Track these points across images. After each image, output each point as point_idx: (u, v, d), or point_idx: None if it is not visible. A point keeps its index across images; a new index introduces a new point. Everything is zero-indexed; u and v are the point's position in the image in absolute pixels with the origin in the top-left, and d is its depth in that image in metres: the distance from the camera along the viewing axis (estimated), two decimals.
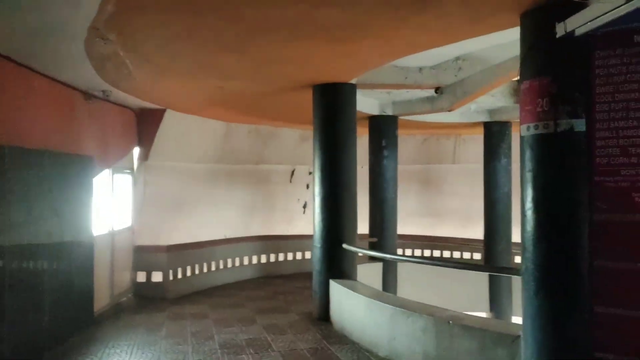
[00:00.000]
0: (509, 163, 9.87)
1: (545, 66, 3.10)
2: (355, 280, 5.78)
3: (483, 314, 10.65)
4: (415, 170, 12.76)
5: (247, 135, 10.15)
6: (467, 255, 12.40)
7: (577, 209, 3.01)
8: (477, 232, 13.15)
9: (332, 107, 5.69)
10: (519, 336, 3.38)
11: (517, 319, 10.54)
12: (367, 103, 8.01)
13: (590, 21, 2.74)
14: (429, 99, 7.75)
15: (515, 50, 5.86)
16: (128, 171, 7.86)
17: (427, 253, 12.50)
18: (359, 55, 4.57)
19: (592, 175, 2.97)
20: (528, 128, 3.20)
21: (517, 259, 11.19)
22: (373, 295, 4.89)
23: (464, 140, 12.52)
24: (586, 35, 2.91)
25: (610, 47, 2.88)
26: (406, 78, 5.93)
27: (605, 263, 2.96)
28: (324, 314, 5.78)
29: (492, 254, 10.13)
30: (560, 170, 3.07)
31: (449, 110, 7.84)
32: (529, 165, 3.22)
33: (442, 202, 13.11)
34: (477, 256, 12.33)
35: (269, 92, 6.10)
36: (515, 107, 8.76)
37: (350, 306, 5.15)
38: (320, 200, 5.78)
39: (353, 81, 5.69)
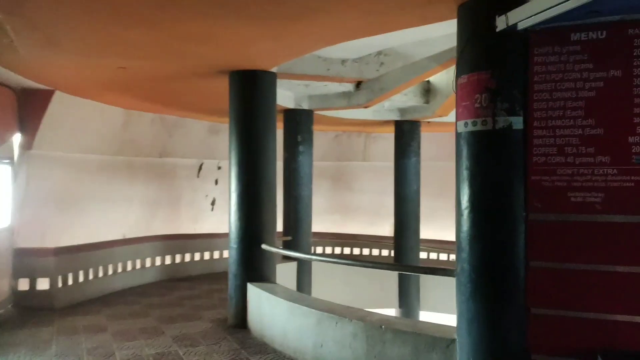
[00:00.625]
0: (418, 161, 10.13)
1: (485, 61, 3.00)
2: (275, 282, 5.44)
3: (392, 310, 10.87)
4: (326, 167, 12.68)
5: (151, 124, 9.33)
6: (375, 252, 12.60)
7: (515, 209, 2.95)
8: (385, 229, 13.44)
9: (251, 97, 5.28)
10: (454, 340, 3.28)
11: (425, 314, 10.93)
12: (282, 95, 7.68)
13: (533, 15, 2.66)
14: (345, 94, 7.62)
15: (436, 47, 5.95)
16: (7, 161, 6.77)
17: (337, 250, 12.52)
18: (286, 39, 4.21)
19: (529, 174, 2.93)
20: (465, 124, 3.09)
21: (424, 255, 11.59)
22: (297, 299, 4.59)
23: (374, 138, 12.69)
24: (525, 30, 2.85)
25: (549, 44, 2.84)
26: (328, 70, 5.70)
27: (541, 264, 2.93)
28: (240, 321, 5.36)
29: (402, 250, 10.34)
30: (499, 169, 3.00)
31: (365, 107, 7.79)
32: (465, 163, 3.12)
33: (352, 199, 13.21)
34: (385, 252, 12.59)
35: (179, 76, 5.52)
36: (425, 107, 8.96)
37: (271, 311, 4.80)
38: (237, 197, 5.35)
39: (274, 70, 5.33)
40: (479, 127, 3.01)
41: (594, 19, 2.73)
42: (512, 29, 2.83)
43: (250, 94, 5.26)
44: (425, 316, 10.90)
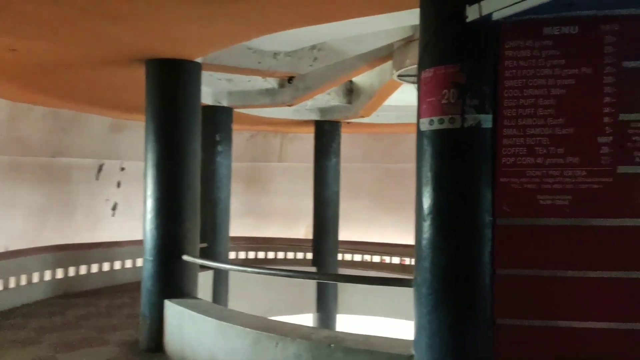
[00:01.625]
0: (338, 162, 9.96)
1: (453, 53, 2.76)
2: (198, 298, 4.84)
3: (310, 316, 10.59)
4: (241, 168, 12.09)
5: (42, 120, 8.12)
6: (291, 255, 12.29)
7: (483, 213, 2.74)
8: (300, 232, 13.15)
9: (173, 90, 4.65)
10: (411, 356, 3.00)
11: (343, 317, 10.80)
12: None
13: (510, 5, 2.46)
14: (269, 92, 7.18)
15: (365, 45, 5.73)
16: None
17: (251, 255, 12.04)
18: (217, 24, 3.69)
19: (498, 176, 2.74)
20: (431, 122, 2.83)
21: (342, 257, 11.47)
22: (228, 317, 4.06)
23: (290, 139, 12.35)
24: (496, 22, 2.65)
25: (520, 38, 2.67)
26: (260, 63, 5.22)
27: (508, 271, 2.74)
28: (155, 344, 4.69)
29: (321, 253, 10.10)
30: (466, 170, 2.77)
31: (290, 105, 7.42)
32: (430, 164, 2.85)
33: (268, 201, 12.74)
34: (300, 256, 12.31)
35: (83, 63, 4.72)
36: (347, 107, 8.80)
37: (195, 332, 4.22)
38: (155, 202, 4.68)
39: (199, 60, 4.74)
40: (445, 125, 2.76)
41: (567, 12, 2.60)
42: (484, 20, 2.62)
43: (172, 86, 4.63)
44: (342, 319, 10.78)
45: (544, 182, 2.68)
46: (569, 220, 2.65)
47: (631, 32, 2.57)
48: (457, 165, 2.78)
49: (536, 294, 2.72)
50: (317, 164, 9.92)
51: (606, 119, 2.60)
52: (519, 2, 2.40)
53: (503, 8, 2.49)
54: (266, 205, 12.74)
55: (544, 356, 2.71)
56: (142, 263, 4.89)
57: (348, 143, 11.22)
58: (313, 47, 5.41)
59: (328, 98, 8.37)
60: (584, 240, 2.66)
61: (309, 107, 8.96)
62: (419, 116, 2.94)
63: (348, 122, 9.66)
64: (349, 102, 8.53)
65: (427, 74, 2.84)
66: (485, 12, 2.56)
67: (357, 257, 12.60)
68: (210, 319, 4.08)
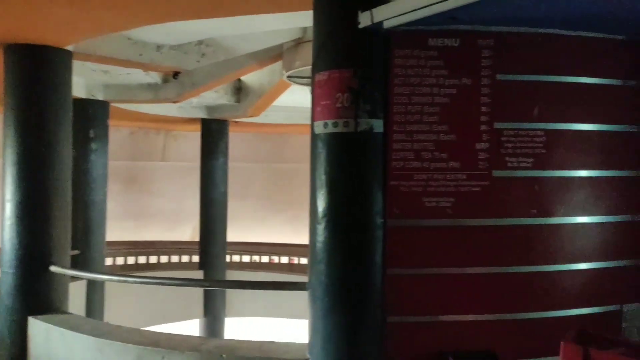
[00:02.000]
0: (226, 162, 9.71)
1: (347, 58, 2.78)
2: (69, 313, 4.35)
3: (197, 321, 10.20)
4: (120, 167, 11.24)
5: None
6: (175, 259, 11.77)
7: (375, 215, 2.81)
8: (186, 234, 12.61)
9: (38, 80, 4.10)
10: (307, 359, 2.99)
11: (232, 321, 10.55)
12: None
13: (399, 15, 2.55)
14: (152, 87, 6.74)
15: (257, 44, 5.63)
16: None
17: (131, 260, 11.28)
18: (92, 9, 3.33)
19: (388, 179, 2.83)
20: (325, 125, 2.83)
21: (230, 258, 11.22)
22: (106, 332, 3.69)
23: (175, 137, 11.77)
24: (387, 31, 2.73)
25: (409, 47, 2.78)
26: (141, 55, 4.84)
27: (398, 271, 2.85)
28: None
29: (209, 256, 9.78)
30: (360, 173, 2.82)
31: (175, 102, 7.04)
32: (324, 167, 2.86)
33: (150, 203, 12.01)
34: (186, 259, 11.84)
35: None
36: (236, 106, 8.60)
37: (66, 352, 3.79)
38: (16, 206, 4.10)
39: (69, 48, 4.26)
40: (340, 129, 2.78)
41: (450, 26, 2.76)
42: (376, 27, 2.68)
43: (35, 75, 4.08)
44: (232, 323, 10.56)
45: (429, 185, 2.82)
46: (451, 221, 2.83)
47: (504, 47, 2.81)
48: (350, 169, 2.82)
49: (423, 291, 2.86)
50: (203, 163, 9.58)
51: (483, 127, 2.82)
52: (407, 12, 2.49)
53: (392, 17, 2.57)
54: (148, 207, 12.01)
55: (429, 349, 2.86)
56: (0, 276, 4.28)
57: (237, 142, 11.01)
58: (200, 42, 5.17)
59: (216, 96, 8.11)
60: (464, 239, 2.86)
61: (195, 105, 8.61)
62: (313, 118, 2.93)
63: (236, 122, 9.46)
64: (238, 100, 8.35)
65: (322, 76, 2.84)
66: (376, 19, 2.62)
67: (246, 258, 12.44)
68: (84, 336, 3.68)
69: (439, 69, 2.79)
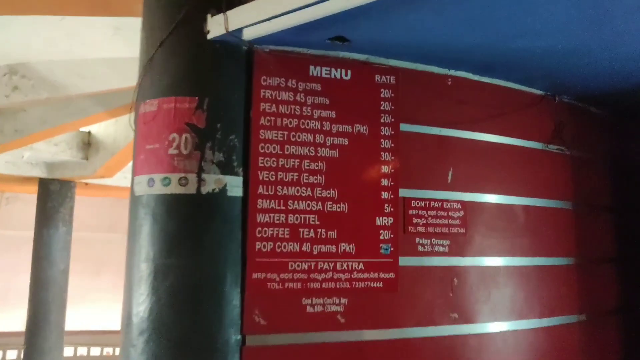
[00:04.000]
0: (69, 232, 7.92)
1: (190, 80, 1.82)
2: None
3: None
4: None
5: None
6: None
7: (227, 330, 1.76)
8: (17, 321, 10.14)
9: None
10: None
11: None
12: None
13: (261, 21, 1.70)
14: None
15: (101, 82, 4.42)
16: None
17: None
18: None
19: (249, 270, 1.81)
20: (150, 182, 1.79)
21: (69, 352, 9.03)
22: None
23: (9, 200, 9.63)
24: (251, 48, 1.86)
25: (282, 73, 1.91)
26: None
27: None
28: None
29: (38, 351, 7.64)
30: (204, 262, 1.77)
31: None
32: (146, 250, 1.77)
33: None
34: (13, 355, 9.44)
35: None
36: (82, 164, 7.09)
37: None
38: None
39: None
40: (173, 190, 1.76)
41: (339, 52, 1.97)
42: (235, 41, 1.79)
43: None
44: None
45: (311, 280, 1.87)
46: (345, 334, 1.88)
47: (409, 88, 2.08)
48: (188, 253, 1.77)
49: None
50: (38, 233, 7.72)
51: (385, 194, 1.99)
52: (276, 16, 1.64)
53: (255, 24, 1.71)
54: None
55: None
56: None
57: (89, 209, 9.28)
58: (12, 71, 3.86)
59: (55, 150, 6.59)
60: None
61: (28, 160, 6.95)
62: (134, 172, 1.88)
63: (86, 183, 7.87)
64: (86, 157, 6.89)
65: (149, 107, 1.83)
66: (233, 26, 1.73)
67: (96, 351, 10.21)
68: None
69: (324, 108, 1.95)
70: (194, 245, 1.75)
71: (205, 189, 1.76)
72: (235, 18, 1.73)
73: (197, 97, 1.78)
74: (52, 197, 7.67)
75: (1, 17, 2.50)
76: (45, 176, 7.45)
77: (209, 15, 1.79)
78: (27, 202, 8.94)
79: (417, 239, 2.02)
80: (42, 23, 2.64)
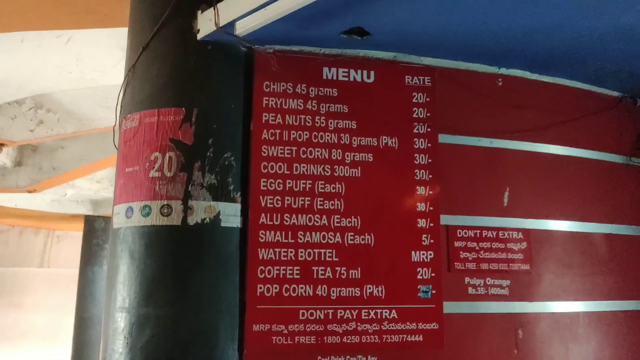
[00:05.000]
0: None
1: (176, 90, 1.52)
2: None
3: None
4: None
5: None
6: None
7: None
8: (67, 355, 10.18)
9: None
10: None
11: None
12: None
13: (253, 11, 1.38)
14: None
15: None
16: None
17: None
18: None
19: (248, 321, 1.44)
20: (128, 212, 1.47)
21: None
22: None
23: (58, 238, 9.80)
24: (249, 48, 1.54)
25: (288, 78, 1.58)
26: None
27: None
28: None
29: None
30: (192, 309, 1.41)
31: (31, 192, 5.45)
32: (121, 296, 1.44)
33: (18, 319, 9.62)
34: None
35: None
36: None
37: None
38: None
39: None
40: (154, 220, 1.43)
41: (357, 49, 1.62)
42: (229, 40, 1.48)
43: None
44: None
45: (330, 332, 1.47)
46: None
47: (449, 91, 1.69)
48: (171, 301, 1.41)
49: None
50: (83, 270, 7.72)
51: (422, 223, 1.58)
52: (267, 3, 1.32)
53: (246, 15, 1.40)
54: (15, 324, 9.60)
55: None
56: None
57: None
58: (37, 105, 3.78)
59: (98, 187, 6.58)
60: None
61: (73, 198, 7.00)
62: (113, 201, 1.58)
63: None
64: None
65: (129, 122, 1.53)
66: (224, 21, 1.42)
67: None
68: None
69: (342, 117, 1.59)
70: (177, 289, 1.40)
71: (193, 219, 1.42)
72: (226, 10, 1.42)
73: (183, 108, 1.47)
74: (97, 234, 7.68)
75: (5, 42, 2.38)
76: (91, 213, 7.49)
77: (199, 12, 1.50)
78: (77, 240, 9.06)
79: (467, 279, 1.57)
80: (46, 47, 2.49)
